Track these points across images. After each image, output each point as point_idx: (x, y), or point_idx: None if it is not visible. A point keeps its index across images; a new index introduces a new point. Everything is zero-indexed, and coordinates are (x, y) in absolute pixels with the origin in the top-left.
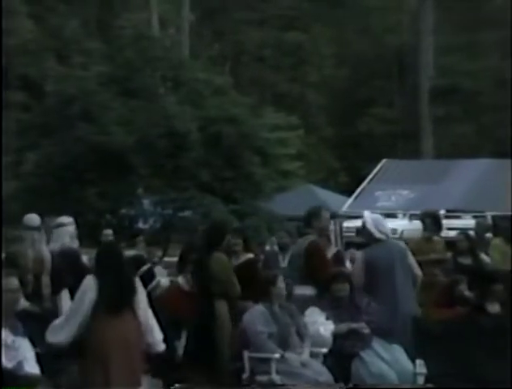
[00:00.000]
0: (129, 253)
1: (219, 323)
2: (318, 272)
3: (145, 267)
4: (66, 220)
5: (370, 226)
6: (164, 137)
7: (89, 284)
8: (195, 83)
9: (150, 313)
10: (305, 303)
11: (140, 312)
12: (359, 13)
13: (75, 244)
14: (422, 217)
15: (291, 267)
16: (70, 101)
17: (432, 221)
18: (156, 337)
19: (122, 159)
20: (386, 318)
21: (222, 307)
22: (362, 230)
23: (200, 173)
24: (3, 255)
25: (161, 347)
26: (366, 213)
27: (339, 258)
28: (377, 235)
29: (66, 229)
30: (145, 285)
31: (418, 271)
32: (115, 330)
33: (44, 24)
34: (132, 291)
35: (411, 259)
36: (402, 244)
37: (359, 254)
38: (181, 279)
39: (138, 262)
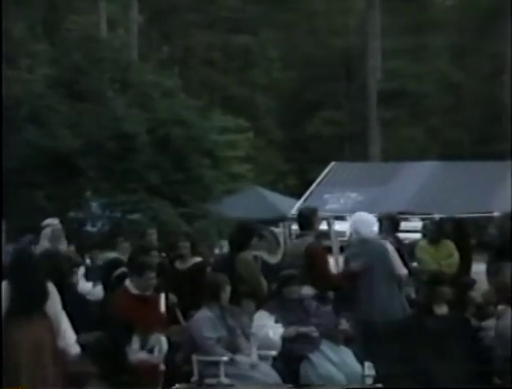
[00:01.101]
0: (109, 255)
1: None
2: (322, 273)
3: (119, 271)
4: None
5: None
6: (112, 139)
7: (4, 288)
8: (144, 85)
9: (63, 317)
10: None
11: (52, 316)
12: (306, 16)
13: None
14: (380, 219)
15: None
16: (18, 104)
17: (389, 223)
18: (68, 341)
19: (70, 162)
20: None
21: (249, 307)
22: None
23: (149, 175)
24: None
25: (74, 350)
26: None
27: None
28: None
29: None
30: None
31: (402, 271)
32: (26, 334)
33: None
34: (44, 295)
35: (394, 259)
36: (384, 244)
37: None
38: (128, 283)
39: (115, 264)
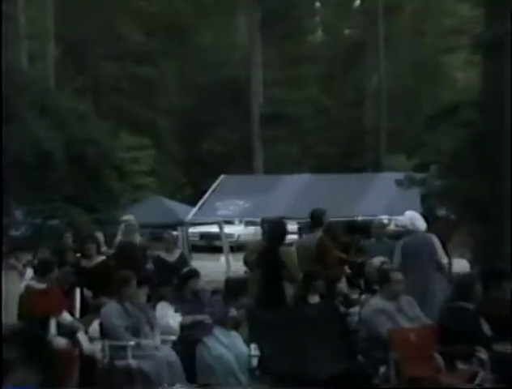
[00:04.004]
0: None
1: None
2: (330, 259)
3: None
4: None
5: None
6: (33, 156)
7: None
8: (60, 109)
9: None
10: None
11: None
12: (199, 49)
13: None
14: (261, 224)
15: (301, 257)
16: None
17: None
18: None
19: None
20: None
21: (289, 289)
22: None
23: (65, 186)
24: None
25: None
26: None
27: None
28: None
29: None
30: None
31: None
32: None
33: None
34: None
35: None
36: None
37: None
38: (34, 282)
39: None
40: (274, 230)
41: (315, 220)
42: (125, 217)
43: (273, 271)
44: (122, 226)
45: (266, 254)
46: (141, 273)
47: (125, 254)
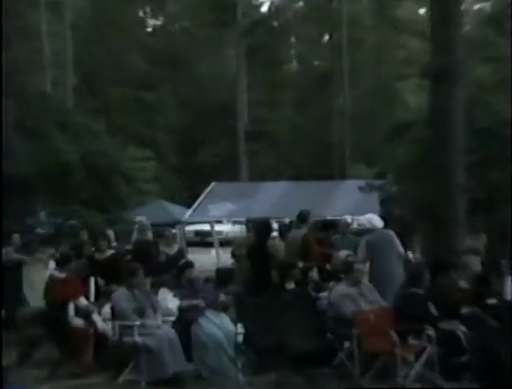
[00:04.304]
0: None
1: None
2: (311, 253)
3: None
4: None
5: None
6: (54, 166)
7: None
8: (78, 127)
9: None
10: None
11: None
12: (194, 76)
13: None
14: (246, 223)
15: (289, 250)
16: None
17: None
18: None
19: (24, 183)
20: None
21: (275, 277)
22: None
23: (82, 192)
24: None
25: None
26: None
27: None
28: None
29: None
30: None
31: None
32: None
33: None
34: None
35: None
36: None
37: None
38: (56, 272)
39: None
40: (262, 227)
41: (301, 218)
42: (139, 218)
43: (262, 261)
44: (137, 226)
45: (256, 247)
46: (154, 264)
47: (141, 249)
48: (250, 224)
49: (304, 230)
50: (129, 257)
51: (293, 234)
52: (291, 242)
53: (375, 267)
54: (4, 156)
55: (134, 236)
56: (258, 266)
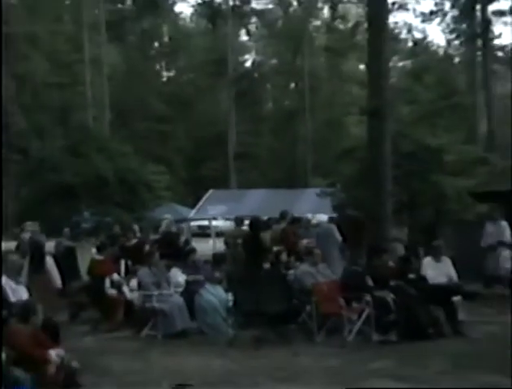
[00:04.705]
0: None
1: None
2: (291, 242)
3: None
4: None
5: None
6: (94, 179)
7: None
8: (112, 150)
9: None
10: None
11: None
12: (198, 113)
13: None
14: (235, 220)
15: (273, 238)
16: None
17: (239, 221)
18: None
19: (72, 190)
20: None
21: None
22: None
23: (114, 197)
24: None
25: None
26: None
27: (188, 242)
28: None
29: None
30: None
31: None
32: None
33: None
34: None
35: None
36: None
37: None
38: (97, 255)
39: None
40: (257, 223)
41: (282, 216)
42: (166, 216)
43: (255, 248)
44: (164, 221)
45: (251, 237)
46: (176, 249)
47: (167, 238)
48: (238, 220)
49: (283, 225)
50: (148, 245)
51: (276, 227)
52: (274, 233)
53: (323, 252)
54: (58, 170)
55: (162, 228)
56: (253, 251)
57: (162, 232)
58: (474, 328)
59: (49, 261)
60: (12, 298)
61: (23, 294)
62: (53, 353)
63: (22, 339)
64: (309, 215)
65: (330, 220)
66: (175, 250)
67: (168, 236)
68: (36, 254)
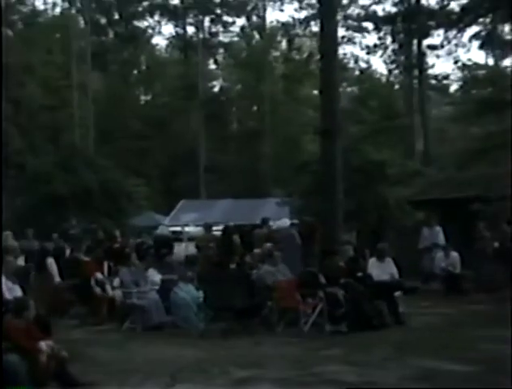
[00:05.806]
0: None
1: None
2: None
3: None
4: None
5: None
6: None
7: None
8: (96, 165)
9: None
10: None
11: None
12: (172, 132)
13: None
14: (204, 226)
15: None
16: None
17: (208, 227)
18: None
19: (62, 200)
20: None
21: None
22: None
23: (99, 206)
24: None
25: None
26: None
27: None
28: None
29: None
30: None
31: None
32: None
33: None
34: None
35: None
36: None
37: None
38: (83, 256)
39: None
40: (229, 228)
41: (264, 222)
42: (162, 226)
43: (227, 249)
44: (160, 227)
45: (224, 240)
46: (171, 250)
47: (162, 239)
48: (207, 226)
49: (265, 230)
50: (128, 248)
51: (257, 232)
52: (259, 237)
53: (284, 254)
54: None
55: (158, 232)
56: (225, 251)
57: (158, 235)
58: (413, 319)
59: (49, 260)
60: (8, 296)
61: (18, 292)
62: (44, 344)
63: (16, 332)
64: (270, 221)
65: (292, 225)
66: (168, 248)
67: (162, 237)
68: (41, 259)
